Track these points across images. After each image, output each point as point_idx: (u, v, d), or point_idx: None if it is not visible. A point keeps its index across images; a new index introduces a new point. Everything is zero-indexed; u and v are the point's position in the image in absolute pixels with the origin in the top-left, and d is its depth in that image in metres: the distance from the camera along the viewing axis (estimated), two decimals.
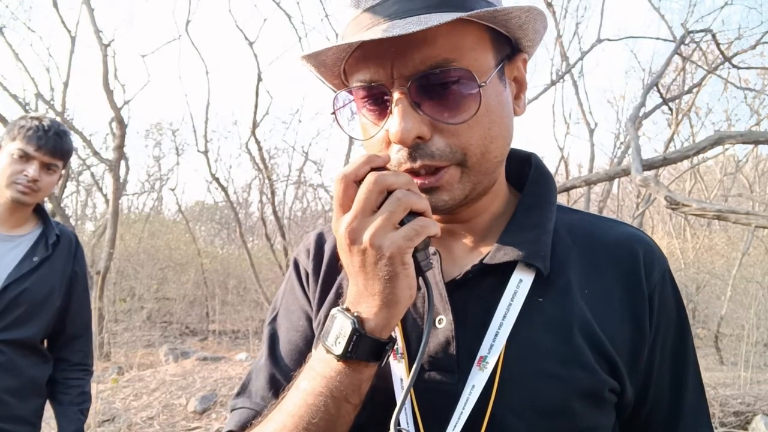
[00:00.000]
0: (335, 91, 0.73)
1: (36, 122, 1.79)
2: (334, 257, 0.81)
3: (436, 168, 0.68)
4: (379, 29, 0.65)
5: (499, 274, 0.70)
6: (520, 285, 0.69)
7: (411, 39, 0.64)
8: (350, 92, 0.71)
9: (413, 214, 0.62)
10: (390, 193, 0.62)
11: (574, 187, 5.42)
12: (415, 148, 0.67)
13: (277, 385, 0.78)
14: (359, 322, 0.62)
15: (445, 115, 0.66)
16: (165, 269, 11.92)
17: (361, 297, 0.63)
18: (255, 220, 15.93)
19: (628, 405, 0.72)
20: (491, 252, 0.72)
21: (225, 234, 16.70)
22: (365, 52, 0.68)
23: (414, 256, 0.62)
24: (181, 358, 6.69)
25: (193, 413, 4.91)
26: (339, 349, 0.62)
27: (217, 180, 10.57)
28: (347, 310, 0.64)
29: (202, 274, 11.68)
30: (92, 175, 12.22)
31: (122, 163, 8.88)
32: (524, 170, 0.81)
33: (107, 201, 9.70)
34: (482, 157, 0.69)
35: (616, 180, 10.99)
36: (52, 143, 1.78)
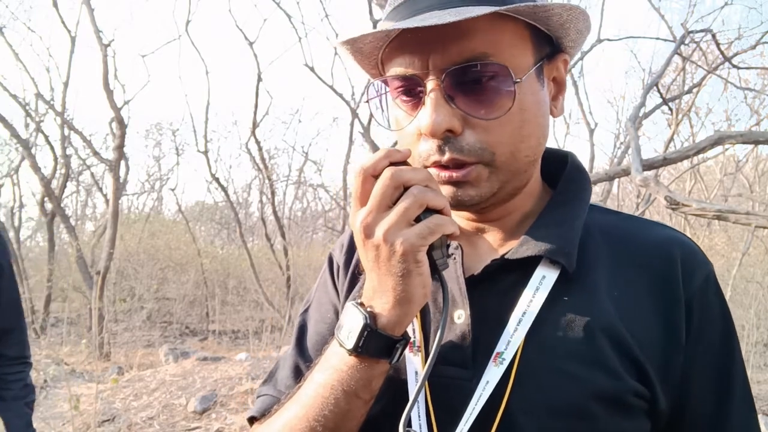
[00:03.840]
0: (371, 80, 0.73)
1: None
2: None
3: (464, 163, 0.67)
4: (417, 19, 0.64)
5: (522, 270, 0.68)
6: (542, 281, 0.67)
7: (448, 31, 0.63)
8: (385, 82, 0.71)
9: (430, 211, 0.61)
10: (407, 189, 0.61)
11: None
12: (446, 141, 0.66)
13: (301, 375, 0.78)
14: (371, 318, 0.62)
15: (478, 111, 0.65)
16: (165, 269, 11.90)
17: (375, 292, 0.63)
18: (255, 220, 15.93)
19: (662, 415, 0.67)
20: (514, 248, 0.70)
21: (225, 234, 16.69)
22: (402, 42, 0.68)
23: (430, 254, 0.62)
24: (181, 358, 6.68)
25: (193, 413, 4.90)
26: (350, 344, 0.62)
27: (217, 180, 10.57)
28: (361, 304, 0.64)
29: (202, 274, 11.66)
30: (92, 175, 12.24)
31: (122, 163, 8.88)
32: (561, 169, 0.79)
33: (107, 201, 9.70)
34: (511, 156, 0.68)
35: (616, 180, 10.98)
36: None
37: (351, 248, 0.85)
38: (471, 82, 0.65)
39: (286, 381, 0.80)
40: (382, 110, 0.73)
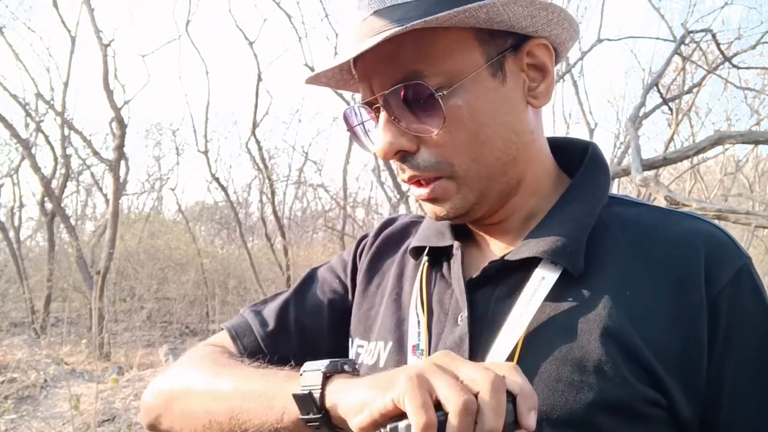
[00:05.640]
0: (343, 112, 0.74)
1: None
2: (388, 240, 0.86)
3: (429, 179, 0.68)
4: (346, 52, 0.66)
5: (523, 272, 0.66)
6: (541, 283, 0.64)
7: (381, 55, 0.64)
8: (353, 110, 0.73)
9: None
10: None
11: None
12: (403, 160, 0.68)
13: (286, 315, 0.83)
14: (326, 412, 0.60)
15: (421, 127, 0.66)
16: (165, 269, 11.91)
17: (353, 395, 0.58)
18: (255, 220, 15.92)
19: (689, 425, 0.62)
20: (515, 248, 0.68)
21: (225, 234, 16.69)
22: (358, 72, 0.70)
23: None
24: None
25: None
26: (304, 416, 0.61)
27: (217, 180, 10.56)
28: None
29: (202, 274, 11.65)
30: (92, 175, 12.23)
31: (122, 163, 8.88)
32: (581, 162, 0.75)
33: (107, 201, 9.70)
34: (475, 163, 0.66)
35: (616, 180, 10.97)
36: None
37: (379, 232, 0.87)
38: (408, 101, 0.65)
39: (271, 313, 0.83)
40: (364, 131, 0.73)
